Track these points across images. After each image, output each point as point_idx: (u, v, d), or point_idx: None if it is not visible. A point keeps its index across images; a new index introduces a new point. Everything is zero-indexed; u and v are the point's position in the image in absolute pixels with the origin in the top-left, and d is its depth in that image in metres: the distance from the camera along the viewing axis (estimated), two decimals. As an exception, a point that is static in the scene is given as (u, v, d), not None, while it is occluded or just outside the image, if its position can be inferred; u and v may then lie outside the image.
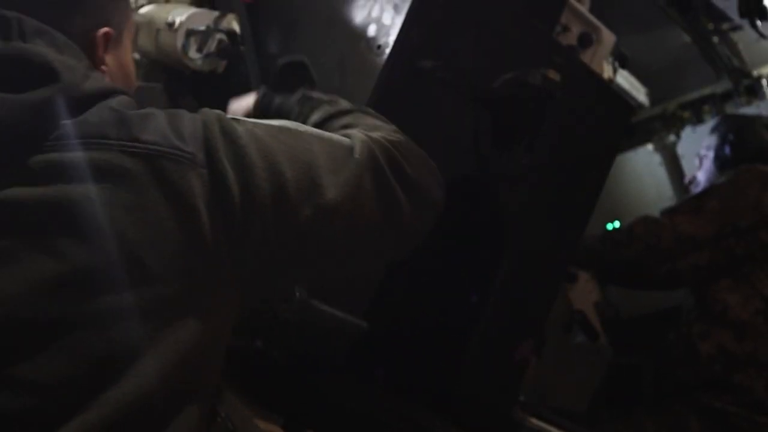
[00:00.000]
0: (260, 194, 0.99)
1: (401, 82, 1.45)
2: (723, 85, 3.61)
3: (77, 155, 0.93)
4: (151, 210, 0.94)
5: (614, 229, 3.02)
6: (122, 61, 1.23)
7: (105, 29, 1.15)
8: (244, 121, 1.06)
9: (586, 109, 1.81)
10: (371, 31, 1.48)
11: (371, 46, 1.47)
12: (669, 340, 2.82)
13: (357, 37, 1.50)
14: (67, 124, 0.95)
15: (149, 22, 1.87)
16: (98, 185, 0.93)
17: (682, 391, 2.66)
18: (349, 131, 1.17)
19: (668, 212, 2.77)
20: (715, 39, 3.40)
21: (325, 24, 1.59)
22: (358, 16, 1.52)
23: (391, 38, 1.44)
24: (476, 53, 1.55)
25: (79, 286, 0.90)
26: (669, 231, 2.68)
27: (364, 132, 1.17)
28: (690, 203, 2.77)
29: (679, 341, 2.75)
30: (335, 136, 1.13)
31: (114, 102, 1.00)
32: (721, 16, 3.27)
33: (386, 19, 1.47)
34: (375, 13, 1.49)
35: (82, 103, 0.98)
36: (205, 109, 1.06)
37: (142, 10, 1.94)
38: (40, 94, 0.95)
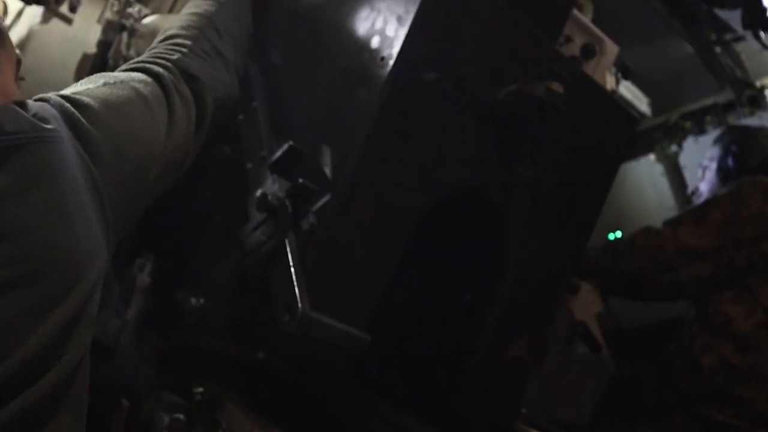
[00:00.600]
0: (121, 143, 1.19)
1: (405, 94, 1.44)
2: (725, 96, 3.60)
3: None
4: (40, 191, 1.04)
5: (616, 239, 3.02)
6: (1, 87, 1.28)
7: None
8: (79, 91, 1.22)
9: (588, 120, 1.81)
10: (375, 42, 1.48)
11: (374, 57, 1.46)
12: (671, 352, 2.81)
13: (360, 48, 1.50)
14: None
15: (152, 33, 1.87)
16: None
17: (683, 403, 2.65)
18: (153, 67, 1.38)
19: (670, 223, 2.76)
20: (718, 49, 3.40)
21: (328, 35, 1.59)
22: (362, 27, 1.52)
23: (395, 50, 1.44)
24: (479, 65, 1.54)
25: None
26: (671, 242, 2.67)
27: (164, 59, 1.41)
28: (692, 214, 2.76)
29: (680, 353, 2.74)
30: (145, 78, 1.34)
31: None
32: (724, 27, 3.27)
33: (390, 30, 1.46)
34: (378, 25, 1.49)
35: None
36: (41, 96, 1.18)
37: (146, 21, 1.94)
38: None
